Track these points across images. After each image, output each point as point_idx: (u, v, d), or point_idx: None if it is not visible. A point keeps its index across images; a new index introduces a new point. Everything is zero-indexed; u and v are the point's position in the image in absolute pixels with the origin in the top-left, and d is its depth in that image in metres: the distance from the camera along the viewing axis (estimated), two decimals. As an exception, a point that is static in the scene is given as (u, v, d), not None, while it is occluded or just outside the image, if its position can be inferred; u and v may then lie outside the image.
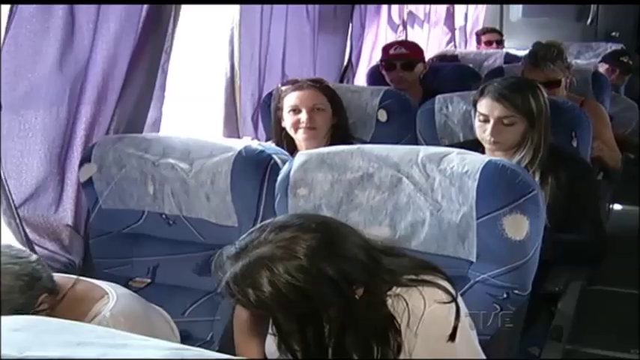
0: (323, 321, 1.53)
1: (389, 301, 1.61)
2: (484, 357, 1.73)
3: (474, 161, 2.04)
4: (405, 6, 5.45)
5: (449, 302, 1.62)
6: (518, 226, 1.97)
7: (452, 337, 1.61)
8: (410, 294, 1.61)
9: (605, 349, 3.78)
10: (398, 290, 1.62)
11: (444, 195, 2.04)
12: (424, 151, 2.12)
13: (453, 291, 1.64)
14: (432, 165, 2.07)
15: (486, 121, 2.73)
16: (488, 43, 6.73)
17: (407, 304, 1.60)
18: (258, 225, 1.60)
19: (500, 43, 6.75)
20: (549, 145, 2.78)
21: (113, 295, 1.99)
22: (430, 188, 2.06)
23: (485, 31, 6.98)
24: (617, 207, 5.81)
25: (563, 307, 2.86)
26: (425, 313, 1.60)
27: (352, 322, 1.55)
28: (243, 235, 1.58)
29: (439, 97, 3.24)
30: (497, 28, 7.72)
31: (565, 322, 2.84)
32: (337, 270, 1.50)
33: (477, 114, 2.76)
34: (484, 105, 2.73)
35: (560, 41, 4.36)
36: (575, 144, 3.08)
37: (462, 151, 2.12)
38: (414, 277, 1.64)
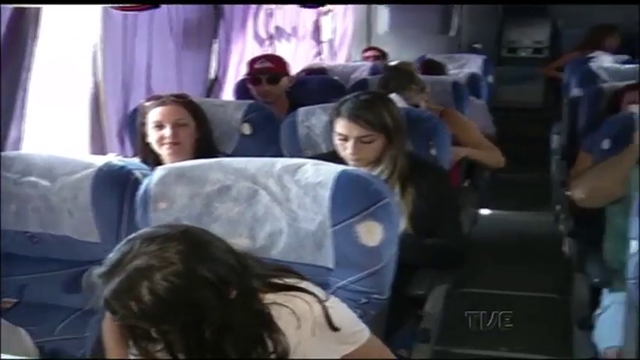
0: (204, 325, 1.58)
1: (272, 309, 1.70)
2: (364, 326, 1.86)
3: (327, 171, 2.10)
4: (273, 20, 5.51)
5: (325, 300, 1.76)
6: (372, 233, 2.04)
7: (335, 328, 1.74)
8: (289, 299, 1.72)
9: (474, 349, 3.89)
10: (275, 297, 1.72)
11: (299, 205, 2.09)
12: (281, 162, 2.17)
13: (321, 291, 1.78)
14: (288, 176, 2.12)
15: (345, 139, 2.79)
16: (369, 58, 6.86)
17: (290, 309, 1.71)
18: (124, 240, 1.63)
19: (378, 58, 6.87)
20: (409, 156, 2.86)
21: None
22: (286, 199, 2.10)
23: (369, 48, 7.17)
24: (484, 212, 6.00)
25: (429, 309, 2.94)
26: (313, 314, 1.72)
27: (230, 323, 1.61)
28: (112, 253, 1.60)
29: (301, 110, 3.29)
30: (365, 40, 7.91)
31: (432, 325, 2.93)
32: (211, 272, 1.57)
33: (336, 133, 2.82)
34: (341, 125, 2.78)
35: (410, 62, 4.51)
36: (434, 152, 3.17)
37: (317, 161, 2.18)
38: (279, 281, 1.76)
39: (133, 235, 1.64)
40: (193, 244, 1.60)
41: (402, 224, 2.73)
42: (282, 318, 1.71)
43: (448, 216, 2.87)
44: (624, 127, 3.18)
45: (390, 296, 2.18)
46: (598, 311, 2.89)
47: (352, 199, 2.06)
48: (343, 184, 2.07)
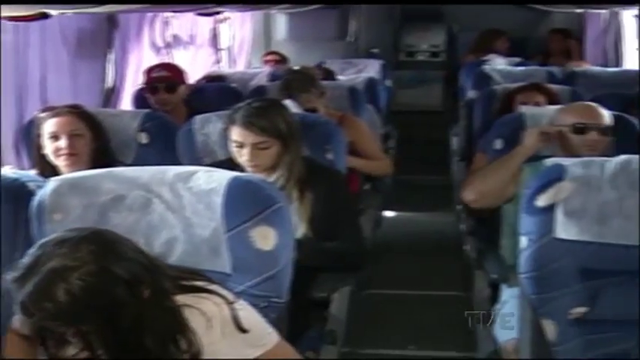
0: (120, 325, 1.61)
1: (184, 310, 1.73)
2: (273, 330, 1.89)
3: (220, 178, 2.11)
4: (169, 28, 5.46)
5: (234, 303, 1.80)
6: (265, 237, 2.07)
7: (244, 330, 1.78)
8: (198, 301, 1.75)
9: (383, 348, 3.95)
10: (185, 299, 1.75)
11: (193, 212, 2.10)
12: (174, 170, 2.17)
13: (230, 293, 1.82)
14: (181, 183, 2.12)
15: (241, 146, 2.79)
16: (270, 62, 6.87)
17: (200, 310, 1.74)
18: (36, 245, 1.65)
19: (279, 62, 6.87)
20: (306, 160, 2.89)
21: None
22: (180, 206, 2.11)
23: (269, 52, 7.17)
24: (388, 214, 6.07)
25: (334, 311, 2.98)
26: (222, 316, 1.76)
27: (145, 322, 1.64)
28: (24, 258, 1.62)
29: (197, 118, 3.29)
30: (264, 48, 7.91)
31: (338, 326, 2.96)
32: (124, 270, 1.61)
33: (231, 140, 2.82)
34: (236, 133, 2.79)
35: (312, 67, 4.54)
36: (330, 157, 3.21)
37: (210, 169, 2.19)
38: (188, 283, 1.80)
39: (44, 240, 1.66)
40: (105, 244, 1.63)
41: (302, 228, 2.77)
42: (193, 319, 1.74)
43: (347, 219, 2.91)
44: (514, 127, 3.28)
45: (294, 299, 2.21)
46: (497, 306, 2.97)
47: (244, 204, 2.08)
48: (235, 190, 2.09)
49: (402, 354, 3.88)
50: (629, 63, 6.47)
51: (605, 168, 2.18)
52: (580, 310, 2.19)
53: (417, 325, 4.17)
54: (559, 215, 2.16)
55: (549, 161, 2.34)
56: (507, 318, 2.74)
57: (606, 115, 3.00)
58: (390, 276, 4.84)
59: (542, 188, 2.19)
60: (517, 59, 6.32)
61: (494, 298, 3.08)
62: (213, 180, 2.11)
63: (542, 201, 2.18)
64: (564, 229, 2.16)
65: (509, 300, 2.85)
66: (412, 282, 4.77)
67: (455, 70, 7.17)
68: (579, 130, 2.96)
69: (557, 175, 2.19)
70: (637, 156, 2.20)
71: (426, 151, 7.29)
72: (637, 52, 6.21)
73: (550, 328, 2.21)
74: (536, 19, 7.97)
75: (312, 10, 7.75)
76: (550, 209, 2.17)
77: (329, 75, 5.37)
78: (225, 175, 2.12)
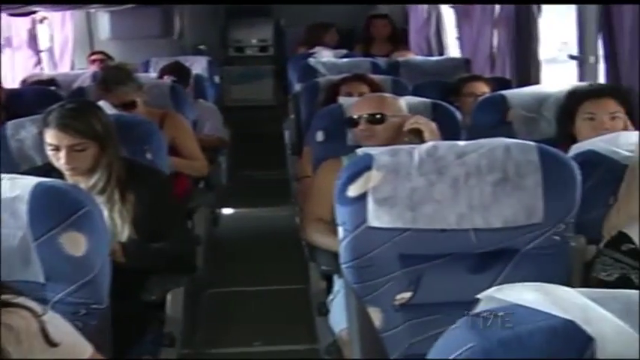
0: None
1: None
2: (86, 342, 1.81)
3: (24, 185, 2.04)
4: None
5: (42, 315, 1.69)
6: (75, 243, 2.02)
7: (54, 343, 1.68)
8: (5, 316, 1.64)
9: (228, 347, 3.91)
10: None
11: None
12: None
13: (38, 305, 1.71)
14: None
15: (57, 149, 2.70)
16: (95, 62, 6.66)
17: (7, 325, 1.63)
18: None
19: (103, 62, 6.67)
20: (126, 162, 2.82)
21: None
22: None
23: (94, 52, 6.95)
24: (226, 211, 6.04)
25: (170, 313, 2.92)
26: (30, 330, 1.65)
27: None
28: None
29: (9, 124, 3.16)
30: (88, 48, 7.66)
31: (175, 328, 2.91)
32: None
33: (47, 144, 2.72)
34: (51, 135, 2.70)
35: (130, 63, 4.46)
36: (149, 157, 3.15)
37: (14, 175, 2.11)
38: None
39: None
40: None
41: (126, 230, 2.70)
42: (4, 333, 1.64)
43: (172, 219, 2.87)
44: (333, 118, 3.31)
45: (125, 304, 2.20)
46: (330, 297, 2.99)
47: (50, 211, 2.03)
48: (40, 196, 2.03)
49: (248, 351, 3.86)
50: (452, 51, 6.70)
51: (413, 155, 2.21)
52: (404, 295, 2.23)
53: (261, 321, 4.16)
54: (370, 204, 2.17)
55: (359, 151, 2.36)
56: (340, 308, 2.75)
57: (381, 104, 3.06)
58: (232, 274, 4.82)
59: (352, 178, 2.20)
60: (344, 51, 6.41)
61: (329, 289, 3.10)
62: (17, 187, 2.04)
63: (352, 191, 2.19)
64: (377, 217, 2.18)
65: (341, 290, 2.87)
66: (254, 278, 4.75)
67: (284, 64, 7.20)
68: (353, 122, 3.05)
69: (366, 165, 2.20)
70: (445, 142, 2.26)
71: (261, 146, 7.30)
72: (457, 41, 6.44)
73: (376, 316, 2.24)
74: (362, 10, 8.10)
75: (134, 9, 7.59)
76: (362, 198, 2.18)
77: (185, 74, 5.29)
78: (29, 182, 2.06)
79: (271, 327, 4.06)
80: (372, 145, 2.72)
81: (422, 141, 2.76)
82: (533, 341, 1.02)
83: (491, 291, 1.15)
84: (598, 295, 1.07)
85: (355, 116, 3.04)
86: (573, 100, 3.08)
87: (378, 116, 3.01)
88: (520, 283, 1.16)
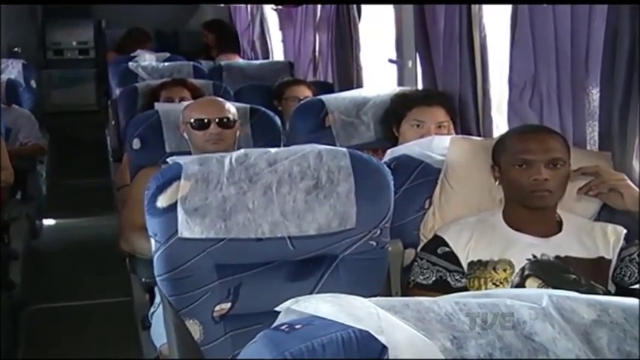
0: None
1: None
2: None
3: None
4: None
5: None
6: None
7: None
8: None
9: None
10: None
11: None
12: None
13: None
14: None
15: None
16: None
17: None
18: None
19: None
20: None
21: None
22: None
23: None
24: (48, 222, 5.82)
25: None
26: None
27: None
28: None
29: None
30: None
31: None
32: None
33: None
34: None
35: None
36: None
37: None
38: None
39: None
40: None
41: None
42: None
43: None
44: (151, 125, 3.22)
45: None
46: (152, 309, 2.91)
47: None
48: None
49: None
50: (277, 55, 6.71)
51: (223, 164, 2.17)
52: (223, 306, 2.18)
53: (86, 337, 4.01)
54: (180, 215, 2.12)
55: (169, 159, 2.29)
56: (161, 321, 2.68)
57: (227, 108, 3.02)
58: (54, 288, 4.63)
59: (161, 188, 2.14)
60: (166, 54, 6.31)
61: (152, 301, 3.01)
62: None
63: (162, 201, 2.13)
64: (187, 229, 2.12)
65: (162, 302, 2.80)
66: (77, 292, 4.58)
67: (106, 67, 7.02)
68: (201, 125, 2.96)
69: (175, 174, 2.14)
70: (257, 150, 2.24)
71: (84, 152, 7.09)
72: (282, 44, 6.46)
73: (195, 328, 2.18)
74: (185, 12, 8.02)
75: None
76: (173, 209, 2.12)
77: None
78: None
79: (96, 343, 3.91)
80: (219, 150, 2.64)
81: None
82: (327, 354, 1.01)
83: (288, 303, 1.14)
84: (392, 303, 1.07)
85: (205, 119, 2.94)
86: (402, 105, 3.07)
87: (226, 120, 2.95)
88: (317, 295, 1.15)
